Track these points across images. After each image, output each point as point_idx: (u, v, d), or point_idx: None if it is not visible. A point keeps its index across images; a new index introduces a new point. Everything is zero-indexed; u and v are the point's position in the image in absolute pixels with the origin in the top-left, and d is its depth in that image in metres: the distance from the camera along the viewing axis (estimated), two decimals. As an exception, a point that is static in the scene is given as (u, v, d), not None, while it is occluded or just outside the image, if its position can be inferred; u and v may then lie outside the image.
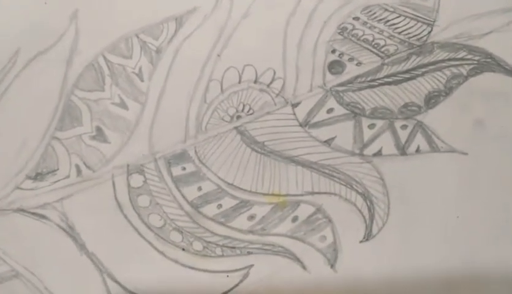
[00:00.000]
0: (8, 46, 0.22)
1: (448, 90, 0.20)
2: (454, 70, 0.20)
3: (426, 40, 0.20)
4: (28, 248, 0.20)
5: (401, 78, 0.20)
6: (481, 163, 0.17)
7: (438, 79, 0.20)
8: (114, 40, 0.22)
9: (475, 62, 0.19)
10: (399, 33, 0.21)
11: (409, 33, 0.21)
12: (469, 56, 0.19)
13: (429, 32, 0.20)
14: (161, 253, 0.20)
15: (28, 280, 0.20)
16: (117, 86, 0.22)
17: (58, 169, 0.21)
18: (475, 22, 0.20)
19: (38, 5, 0.22)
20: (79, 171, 0.21)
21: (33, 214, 0.21)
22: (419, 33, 0.21)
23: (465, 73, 0.19)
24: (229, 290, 0.19)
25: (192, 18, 0.22)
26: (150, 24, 0.22)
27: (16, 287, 0.20)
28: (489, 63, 0.18)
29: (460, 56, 0.20)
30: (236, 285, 0.19)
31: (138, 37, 0.22)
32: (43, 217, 0.21)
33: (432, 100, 0.19)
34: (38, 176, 0.21)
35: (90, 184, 0.21)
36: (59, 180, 0.21)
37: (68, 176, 0.21)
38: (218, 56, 0.22)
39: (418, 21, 0.21)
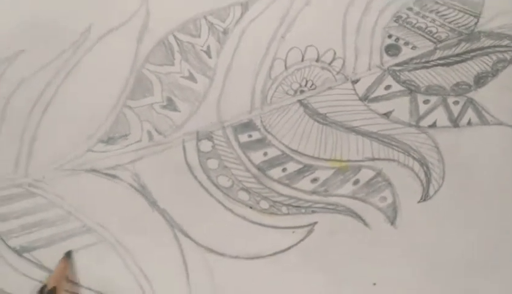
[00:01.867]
0: (80, 22, 0.39)
1: (494, 72, 0.35)
2: (499, 55, 0.36)
3: (474, 30, 0.37)
4: (100, 205, 0.34)
5: (452, 61, 0.36)
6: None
7: (485, 63, 0.36)
8: (184, 21, 0.39)
9: (517, 49, 0.36)
10: (449, 22, 0.37)
11: (458, 23, 0.37)
12: None
13: (476, 23, 0.37)
14: (230, 210, 0.33)
15: (100, 235, 0.34)
16: (187, 62, 0.38)
17: (130, 134, 0.36)
18: (516, 16, 0.36)
19: None
20: (150, 136, 0.36)
21: (105, 174, 0.35)
22: (467, 24, 0.37)
23: (508, 58, 0.35)
24: (295, 244, 0.32)
25: (257, 3, 0.39)
26: (217, 7, 0.40)
27: (89, 241, 0.34)
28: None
29: (504, 43, 0.36)
30: (302, 240, 0.32)
31: (206, 19, 0.39)
32: (114, 177, 0.35)
33: (481, 80, 0.35)
34: (110, 140, 0.36)
35: (161, 148, 0.36)
36: (130, 144, 0.36)
37: (140, 140, 0.36)
38: (282, 37, 0.38)
39: (466, 13, 0.38)
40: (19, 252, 0.31)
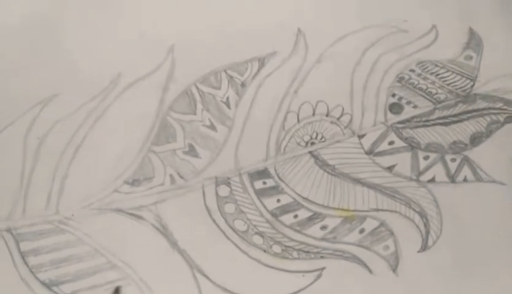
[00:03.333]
0: (110, 71, 0.41)
1: (488, 133, 0.38)
2: (493, 117, 0.38)
3: (470, 92, 0.39)
4: (124, 244, 0.36)
5: (450, 121, 0.38)
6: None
7: (480, 123, 0.38)
8: (205, 73, 0.41)
9: (510, 111, 0.38)
10: (448, 85, 0.40)
11: (456, 85, 0.40)
12: (505, 107, 0.38)
13: (472, 86, 0.39)
14: (245, 253, 0.35)
15: (124, 271, 0.35)
16: (208, 111, 0.40)
17: (154, 177, 0.38)
18: (509, 81, 0.39)
19: (138, 38, 0.42)
20: (173, 180, 0.38)
21: (130, 214, 0.37)
22: (463, 86, 0.40)
23: (502, 119, 0.37)
24: (304, 288, 0.34)
25: (273, 60, 0.41)
26: (237, 62, 0.42)
27: (113, 277, 0.35)
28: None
29: (497, 106, 0.39)
30: (311, 284, 0.34)
31: (226, 72, 0.41)
32: (139, 217, 0.37)
33: (476, 139, 0.37)
34: (135, 182, 0.38)
35: (182, 191, 0.37)
36: (154, 187, 0.38)
37: (162, 184, 0.38)
38: (295, 92, 0.40)
39: (463, 76, 0.40)
40: (48, 285, 0.32)
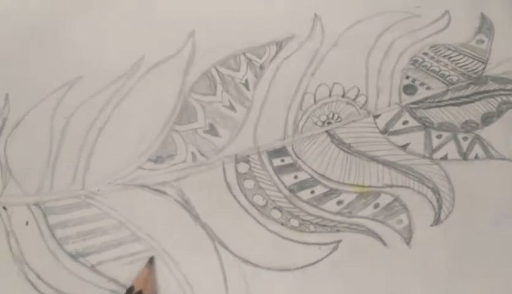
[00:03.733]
0: (133, 54, 0.44)
1: (499, 113, 0.40)
2: (504, 97, 0.40)
3: (481, 74, 0.41)
4: (148, 217, 0.38)
5: (462, 101, 0.41)
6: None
7: (491, 104, 0.40)
8: (225, 56, 0.44)
9: (520, 93, 0.40)
10: (460, 67, 0.42)
11: (467, 68, 0.42)
12: (515, 88, 0.40)
13: (483, 68, 0.42)
14: (264, 226, 0.37)
15: (148, 243, 0.38)
16: (227, 93, 0.43)
17: (176, 154, 0.40)
18: (519, 63, 0.41)
19: (160, 23, 0.44)
20: (194, 158, 0.40)
21: (153, 189, 0.39)
22: (475, 68, 0.42)
23: None
24: (321, 259, 0.36)
25: (290, 43, 0.44)
26: (255, 46, 0.44)
27: (138, 249, 0.37)
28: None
29: (508, 87, 0.41)
30: (327, 256, 0.36)
31: (244, 55, 0.44)
32: (162, 192, 0.39)
33: (487, 119, 0.39)
34: (158, 159, 0.40)
35: (203, 168, 0.40)
36: (176, 164, 0.40)
37: (185, 161, 0.40)
38: (312, 74, 0.43)
39: (474, 59, 0.42)
40: (75, 256, 0.35)
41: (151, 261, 0.34)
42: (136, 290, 0.32)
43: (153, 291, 0.33)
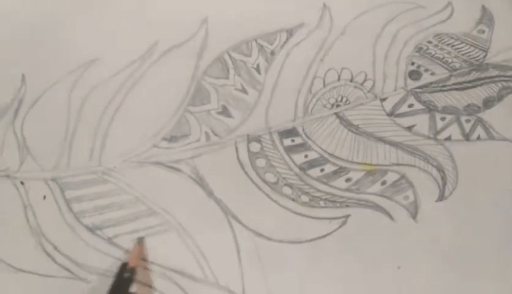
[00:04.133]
0: (148, 39, 0.47)
1: (499, 97, 0.43)
2: (504, 83, 0.43)
3: (482, 62, 0.45)
4: (163, 193, 0.40)
5: (465, 86, 0.44)
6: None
7: (492, 89, 0.43)
8: (237, 42, 0.47)
9: (519, 79, 0.43)
10: (462, 55, 0.45)
11: (469, 55, 0.45)
12: (515, 75, 0.44)
13: (484, 56, 0.45)
14: (275, 201, 0.39)
15: (163, 218, 0.40)
16: (239, 76, 0.45)
17: (190, 134, 0.43)
18: (518, 52, 0.44)
19: (175, 8, 0.47)
20: (208, 137, 0.43)
21: (168, 167, 0.42)
22: (477, 56, 0.45)
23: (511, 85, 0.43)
24: (330, 233, 0.38)
25: (300, 31, 0.47)
26: (266, 32, 0.47)
27: (153, 223, 0.39)
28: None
29: (508, 74, 0.44)
30: (336, 229, 0.39)
31: (256, 41, 0.47)
32: (177, 169, 0.41)
33: (488, 102, 0.42)
34: (172, 138, 0.43)
35: (217, 147, 0.42)
36: (190, 143, 0.43)
37: (198, 140, 0.42)
38: (321, 60, 0.46)
39: (476, 48, 0.45)
40: (92, 229, 0.37)
41: (140, 240, 0.36)
42: (130, 266, 0.34)
43: (145, 268, 0.35)
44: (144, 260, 0.35)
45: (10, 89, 0.41)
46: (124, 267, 0.33)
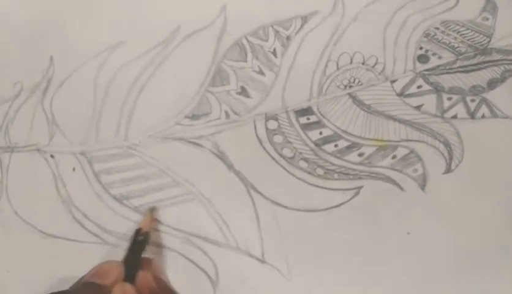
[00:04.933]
0: (171, 24, 0.52)
1: (502, 79, 0.48)
2: (507, 66, 0.49)
3: (487, 46, 0.50)
4: (186, 166, 0.45)
5: (470, 69, 0.48)
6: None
7: (496, 71, 0.48)
8: (255, 28, 0.52)
9: (522, 63, 0.49)
10: (467, 40, 0.50)
11: (474, 40, 0.50)
12: (517, 60, 0.49)
13: (488, 42, 0.50)
14: (292, 174, 0.44)
15: (186, 188, 0.44)
16: (257, 59, 0.50)
17: (211, 112, 0.48)
18: (520, 38, 0.50)
19: None
20: (227, 115, 0.47)
21: (190, 142, 0.47)
22: (481, 41, 0.50)
23: None
24: (344, 202, 0.43)
25: (314, 17, 0.52)
26: (282, 19, 0.52)
27: (177, 193, 0.44)
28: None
29: (510, 57, 0.49)
30: (350, 199, 0.43)
31: (272, 27, 0.52)
32: (198, 145, 0.46)
33: (492, 84, 0.47)
34: (194, 116, 0.48)
35: (236, 124, 0.47)
36: (211, 121, 0.47)
37: (219, 118, 0.47)
38: (334, 44, 0.51)
39: (480, 34, 0.50)
40: (119, 199, 0.42)
41: (152, 209, 0.40)
42: (144, 230, 0.39)
43: (157, 235, 0.40)
44: (156, 229, 0.39)
45: (38, 69, 0.46)
46: (138, 232, 0.38)
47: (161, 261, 0.38)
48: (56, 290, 0.33)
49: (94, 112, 0.44)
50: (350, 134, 0.43)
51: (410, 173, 0.41)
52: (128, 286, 0.33)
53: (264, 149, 0.42)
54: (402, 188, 0.40)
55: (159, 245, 0.39)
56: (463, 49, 0.45)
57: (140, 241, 0.38)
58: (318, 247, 0.39)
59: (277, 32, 0.47)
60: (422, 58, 0.45)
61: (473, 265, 0.38)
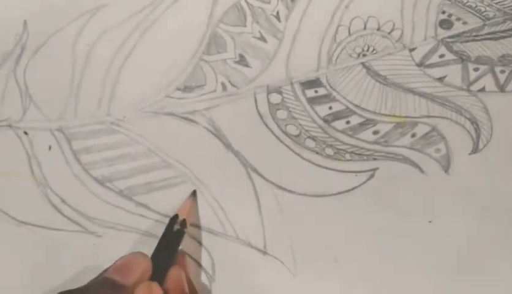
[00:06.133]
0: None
1: (535, 47, 0.45)
2: (540, 33, 0.46)
3: (517, 10, 0.47)
4: (178, 145, 0.42)
5: (499, 36, 0.45)
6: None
7: (527, 39, 0.46)
8: (255, -12, 0.48)
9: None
10: (496, 3, 0.47)
11: (503, 4, 0.47)
12: (550, 25, 0.45)
13: (520, 5, 0.47)
14: (298, 154, 0.41)
15: (179, 170, 0.41)
16: (258, 24, 0.47)
17: (205, 84, 0.45)
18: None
19: None
20: (224, 88, 0.44)
21: (182, 118, 0.43)
22: (511, 5, 0.47)
23: None
24: (357, 186, 0.40)
25: (323, -22, 0.49)
26: (286, -21, 0.49)
27: (168, 175, 0.41)
28: None
29: (544, 23, 0.46)
30: (364, 183, 0.40)
31: (275, -12, 0.48)
32: (192, 121, 0.43)
33: (524, 53, 0.45)
34: (186, 89, 0.44)
35: (234, 98, 0.44)
36: (206, 93, 0.44)
37: (214, 90, 0.44)
38: (346, 7, 0.47)
39: (511, -3, 0.47)
40: (101, 181, 0.39)
41: (194, 193, 0.37)
42: (181, 218, 0.35)
43: (196, 221, 0.37)
44: (196, 215, 0.37)
45: (11, 35, 0.43)
46: (174, 219, 0.34)
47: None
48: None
49: (73, 83, 0.41)
50: (364, 109, 0.40)
51: (432, 154, 0.38)
52: (155, 288, 0.29)
53: (266, 125, 0.39)
54: (422, 171, 0.37)
55: (197, 239, 0.36)
56: (491, 14, 0.42)
57: (176, 231, 0.34)
58: (327, 237, 0.36)
59: (280, -7, 0.43)
60: (445, 23, 0.42)
61: (502, 258, 0.35)
